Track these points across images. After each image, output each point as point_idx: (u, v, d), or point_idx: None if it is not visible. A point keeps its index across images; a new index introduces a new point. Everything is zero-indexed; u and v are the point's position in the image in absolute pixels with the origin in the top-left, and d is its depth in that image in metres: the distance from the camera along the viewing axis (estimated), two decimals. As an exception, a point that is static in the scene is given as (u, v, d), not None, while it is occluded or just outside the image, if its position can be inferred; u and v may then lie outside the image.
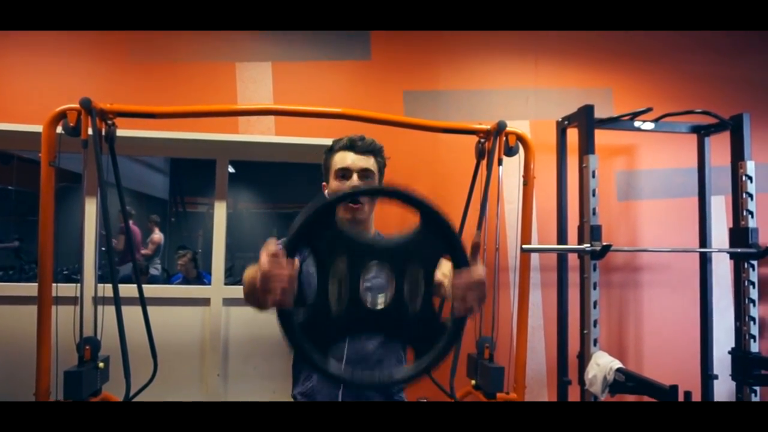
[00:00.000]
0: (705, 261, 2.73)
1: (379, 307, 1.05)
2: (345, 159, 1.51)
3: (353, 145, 1.51)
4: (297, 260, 0.99)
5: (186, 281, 4.65)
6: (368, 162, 1.52)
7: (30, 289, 2.22)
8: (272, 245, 0.98)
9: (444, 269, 1.47)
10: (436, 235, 1.04)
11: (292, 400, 1.57)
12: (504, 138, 2.30)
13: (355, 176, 1.49)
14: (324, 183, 1.59)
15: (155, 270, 6.15)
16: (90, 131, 2.00)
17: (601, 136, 2.55)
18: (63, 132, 2.01)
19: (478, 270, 1.03)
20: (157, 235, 6.39)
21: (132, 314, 2.15)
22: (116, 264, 2.37)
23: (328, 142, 1.61)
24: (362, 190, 1.39)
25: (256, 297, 1.23)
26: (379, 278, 1.21)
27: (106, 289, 2.08)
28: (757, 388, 2.50)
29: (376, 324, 1.06)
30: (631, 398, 2.91)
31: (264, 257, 0.97)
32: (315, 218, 1.01)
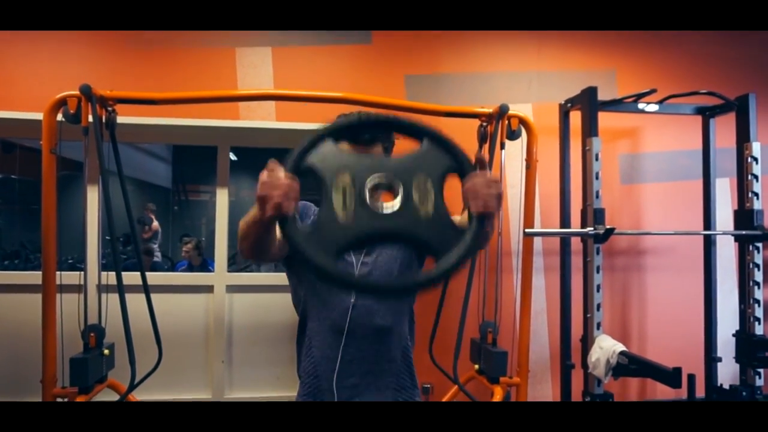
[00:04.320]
0: (709, 244, 2.72)
1: (389, 211, 1.01)
2: None
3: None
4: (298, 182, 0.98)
5: (191, 268, 4.68)
6: (375, 151, 1.39)
7: (34, 277, 2.23)
8: (272, 163, 0.99)
9: (458, 219, 1.44)
10: (441, 151, 1.04)
11: (297, 381, 1.56)
12: (506, 121, 2.28)
13: None
14: None
15: (156, 257, 6.18)
16: (90, 118, 2.00)
17: (604, 118, 2.53)
18: (63, 119, 2.00)
19: (488, 173, 1.03)
20: (154, 223, 6.41)
21: (136, 301, 2.16)
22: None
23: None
24: (367, 122, 1.15)
25: (249, 236, 1.20)
26: (385, 188, 1.10)
27: (110, 277, 2.09)
28: (761, 371, 2.50)
29: (387, 227, 1.00)
30: (634, 382, 2.93)
31: (263, 173, 0.98)
32: (317, 141, 1.01)
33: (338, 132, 1.05)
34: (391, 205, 1.01)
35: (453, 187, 1.07)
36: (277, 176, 0.98)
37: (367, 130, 1.10)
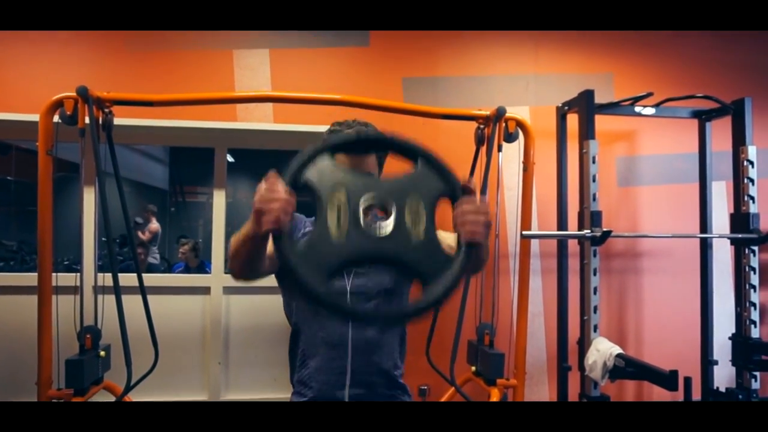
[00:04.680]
0: (705, 247, 2.73)
1: (381, 233, 1.03)
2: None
3: None
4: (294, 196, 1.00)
5: (187, 270, 4.68)
6: (370, 161, 1.40)
7: (30, 279, 2.22)
8: (271, 175, 1.00)
9: (449, 240, 1.46)
10: (434, 174, 1.07)
11: (291, 388, 1.56)
12: (504, 124, 2.28)
13: None
14: None
15: (153, 259, 6.16)
16: (87, 120, 1.99)
17: (601, 121, 2.54)
18: (60, 121, 2.00)
19: (478, 199, 1.06)
20: (154, 225, 6.40)
21: (133, 303, 2.15)
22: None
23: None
24: (364, 139, 1.20)
25: (241, 254, 1.20)
26: (379, 208, 1.12)
27: (107, 278, 2.08)
28: (757, 374, 2.51)
29: (378, 250, 1.02)
30: (631, 385, 2.93)
31: (262, 184, 0.99)
32: (315, 155, 1.03)
33: (336, 147, 1.09)
34: (384, 226, 1.04)
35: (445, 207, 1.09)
36: (275, 189, 0.99)
37: (364, 148, 1.13)
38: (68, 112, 1.99)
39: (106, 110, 2.09)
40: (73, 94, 1.97)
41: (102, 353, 2.09)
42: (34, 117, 2.01)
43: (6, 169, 5.64)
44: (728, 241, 2.73)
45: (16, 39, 2.54)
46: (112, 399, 2.16)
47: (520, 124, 2.31)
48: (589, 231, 2.36)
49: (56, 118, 2.00)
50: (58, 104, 1.99)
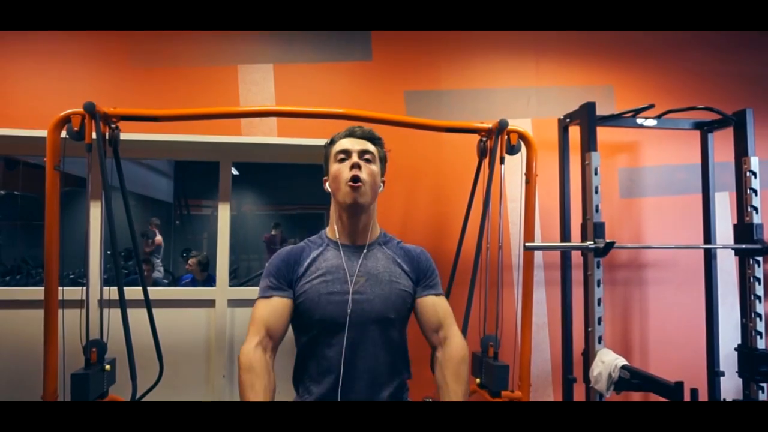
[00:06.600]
0: (710, 257, 2.72)
1: None
2: (344, 143, 1.57)
3: (352, 132, 1.59)
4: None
5: (194, 282, 4.70)
6: (368, 145, 1.57)
7: (36, 293, 2.23)
8: None
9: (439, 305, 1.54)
10: None
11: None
12: (506, 136, 2.30)
13: (355, 155, 1.53)
14: (324, 178, 1.62)
15: (158, 273, 6.17)
16: (94, 135, 2.02)
17: (603, 133, 2.55)
18: (67, 136, 2.02)
19: None
20: (157, 237, 6.45)
21: (138, 316, 2.16)
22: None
23: (331, 142, 1.64)
24: None
25: None
26: None
27: (112, 292, 2.10)
28: (764, 385, 2.49)
29: None
30: (636, 396, 2.91)
31: None
32: None
33: None
34: None
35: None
36: None
37: None
38: (75, 128, 2.01)
39: (113, 125, 2.12)
40: (80, 110, 2.00)
41: (107, 367, 2.09)
42: (42, 133, 2.03)
43: (13, 184, 5.68)
44: (732, 252, 2.73)
45: (23, 55, 2.58)
46: (117, 413, 2.16)
47: (522, 136, 2.33)
48: (592, 242, 2.36)
49: (63, 134, 2.03)
50: (66, 120, 2.02)
